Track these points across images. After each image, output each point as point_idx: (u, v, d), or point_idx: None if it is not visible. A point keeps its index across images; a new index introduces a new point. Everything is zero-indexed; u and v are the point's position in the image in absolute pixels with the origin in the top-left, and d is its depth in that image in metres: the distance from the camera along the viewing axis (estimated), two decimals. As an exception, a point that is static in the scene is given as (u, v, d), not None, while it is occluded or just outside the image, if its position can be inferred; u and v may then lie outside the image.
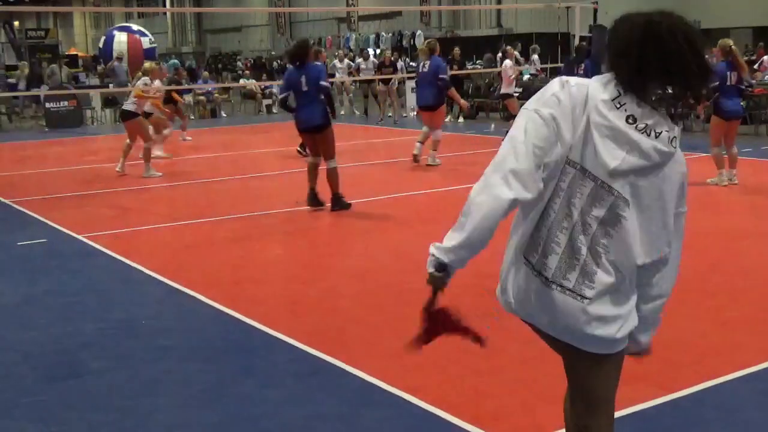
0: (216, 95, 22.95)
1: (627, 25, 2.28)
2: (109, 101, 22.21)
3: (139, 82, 12.21)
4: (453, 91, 12.91)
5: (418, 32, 36.67)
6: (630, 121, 2.23)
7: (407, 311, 5.46)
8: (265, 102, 23.52)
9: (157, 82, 12.72)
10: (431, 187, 10.19)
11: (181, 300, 5.92)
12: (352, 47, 39.46)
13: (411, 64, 34.38)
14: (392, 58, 21.48)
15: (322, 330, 5.14)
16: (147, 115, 12.47)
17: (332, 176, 8.91)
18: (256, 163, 13.48)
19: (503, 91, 15.47)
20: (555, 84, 2.34)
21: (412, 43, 36.98)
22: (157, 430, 3.87)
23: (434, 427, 3.78)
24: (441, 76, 11.98)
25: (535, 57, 23.15)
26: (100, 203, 9.97)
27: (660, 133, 2.24)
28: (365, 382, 4.29)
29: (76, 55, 41.29)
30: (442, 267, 2.33)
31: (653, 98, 2.26)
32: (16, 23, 38.82)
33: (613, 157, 2.23)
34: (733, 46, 9.61)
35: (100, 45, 36.43)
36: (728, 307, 5.41)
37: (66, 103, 20.59)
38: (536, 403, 3.96)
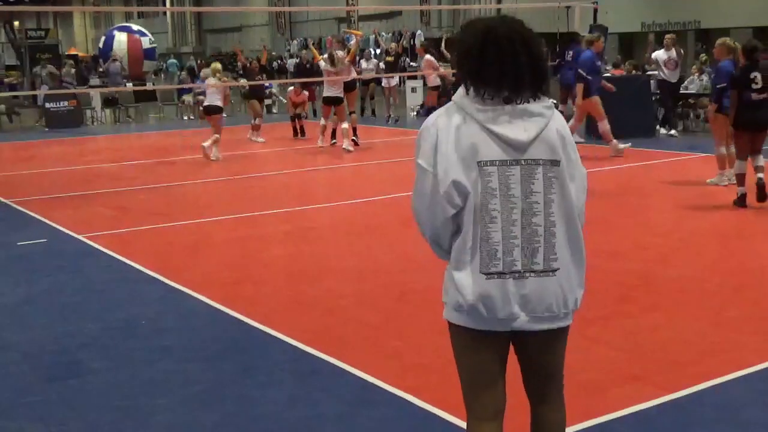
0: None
1: (470, 30, 2.52)
2: (109, 101, 22.20)
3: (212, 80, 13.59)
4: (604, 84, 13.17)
5: (418, 32, 36.67)
6: (508, 101, 2.46)
7: (407, 311, 5.48)
8: (265, 102, 23.44)
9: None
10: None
11: (180, 300, 5.92)
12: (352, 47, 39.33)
13: (411, 64, 34.42)
14: (398, 50, 21.33)
15: (322, 330, 5.14)
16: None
17: None
18: (256, 163, 13.48)
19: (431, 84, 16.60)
20: (421, 131, 2.55)
21: (412, 43, 36.97)
22: (157, 430, 3.87)
23: (434, 427, 3.79)
24: (579, 69, 12.50)
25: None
26: (100, 203, 9.97)
27: (537, 97, 2.50)
28: (365, 382, 4.29)
29: (76, 55, 41.29)
30: None
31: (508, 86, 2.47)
32: (16, 23, 38.78)
33: (522, 130, 2.45)
34: (736, 44, 9.54)
35: (100, 45, 36.44)
36: (728, 307, 5.40)
37: (66, 103, 20.59)
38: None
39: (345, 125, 14.12)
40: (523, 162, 2.45)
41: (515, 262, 2.44)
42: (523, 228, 2.44)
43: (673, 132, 15.08)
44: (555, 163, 2.47)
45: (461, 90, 2.53)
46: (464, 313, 2.51)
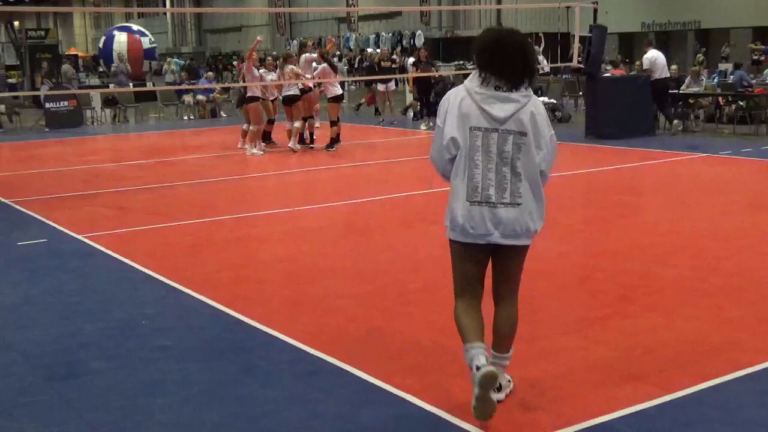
0: (216, 95, 22.93)
1: (485, 34, 3.72)
2: (109, 101, 22.20)
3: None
4: None
5: (418, 32, 36.69)
6: (497, 88, 3.64)
7: (407, 311, 5.48)
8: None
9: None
10: (431, 188, 10.20)
11: (180, 300, 5.92)
12: (352, 47, 39.35)
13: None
14: (391, 55, 21.01)
15: (322, 330, 5.14)
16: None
17: None
18: (256, 163, 13.48)
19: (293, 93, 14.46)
20: (441, 100, 3.79)
21: (412, 43, 36.98)
22: (157, 430, 3.87)
23: (434, 427, 3.78)
24: None
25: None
26: (100, 203, 9.97)
27: (518, 88, 3.64)
28: (365, 382, 4.29)
29: (76, 55, 41.31)
30: None
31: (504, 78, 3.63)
32: (16, 23, 38.78)
33: (500, 110, 3.62)
34: None
35: (100, 45, 36.48)
36: (728, 307, 5.40)
37: (66, 103, 20.59)
38: (536, 402, 3.96)
39: (297, 124, 14.46)
40: (500, 131, 3.63)
41: (490, 196, 3.64)
42: (497, 174, 3.63)
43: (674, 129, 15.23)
44: (522, 134, 3.63)
45: (472, 75, 3.69)
46: (457, 230, 3.72)
